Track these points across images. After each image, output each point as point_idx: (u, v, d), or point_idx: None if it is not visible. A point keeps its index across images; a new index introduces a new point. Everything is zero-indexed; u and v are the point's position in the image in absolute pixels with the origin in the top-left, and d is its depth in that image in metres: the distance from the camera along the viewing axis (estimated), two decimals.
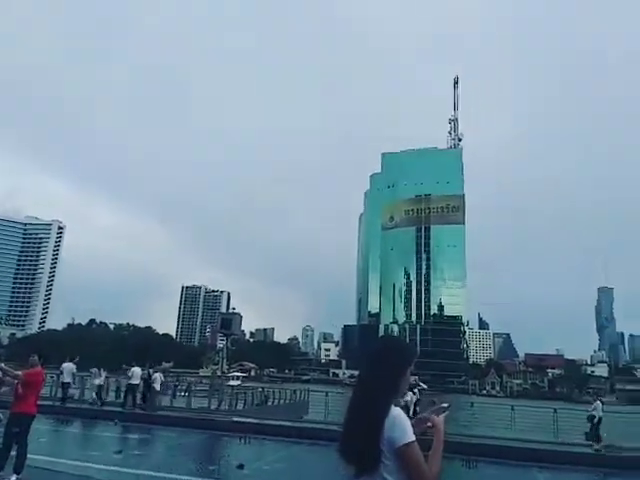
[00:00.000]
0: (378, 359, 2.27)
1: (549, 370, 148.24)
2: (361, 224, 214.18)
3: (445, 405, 2.36)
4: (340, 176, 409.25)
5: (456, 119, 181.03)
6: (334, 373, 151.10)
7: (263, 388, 30.30)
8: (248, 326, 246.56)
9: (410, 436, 2.07)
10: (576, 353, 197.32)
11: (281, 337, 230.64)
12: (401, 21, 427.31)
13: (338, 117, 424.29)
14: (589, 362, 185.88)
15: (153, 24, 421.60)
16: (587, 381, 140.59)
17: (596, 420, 14.41)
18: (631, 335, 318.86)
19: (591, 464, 12.98)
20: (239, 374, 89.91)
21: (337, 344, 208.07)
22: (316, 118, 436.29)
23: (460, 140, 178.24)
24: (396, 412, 2.12)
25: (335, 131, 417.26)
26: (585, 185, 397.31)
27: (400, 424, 2.08)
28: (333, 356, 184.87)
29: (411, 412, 16.35)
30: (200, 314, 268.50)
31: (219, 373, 28.96)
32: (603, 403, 15.62)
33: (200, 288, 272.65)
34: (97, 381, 21.03)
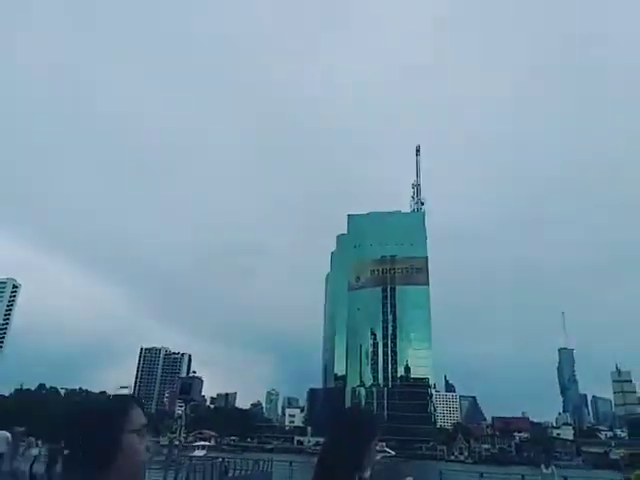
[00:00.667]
0: (341, 432, 2.16)
1: (516, 434, 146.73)
2: (328, 284, 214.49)
3: (410, 479, 2.43)
4: (307, 237, 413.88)
5: (418, 184, 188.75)
6: (299, 441, 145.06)
7: (223, 458, 28.77)
8: (209, 391, 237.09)
9: None
10: (541, 415, 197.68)
11: (244, 402, 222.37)
12: (369, 90, 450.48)
13: (305, 180, 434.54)
14: (554, 424, 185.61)
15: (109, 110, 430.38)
16: (553, 444, 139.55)
17: None
18: (594, 396, 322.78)
19: None
20: (204, 443, 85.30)
21: (302, 409, 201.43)
22: (284, 182, 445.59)
23: (422, 204, 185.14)
24: None
25: (302, 194, 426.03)
26: (538, 247, 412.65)
27: None
28: (298, 422, 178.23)
29: None
30: (158, 378, 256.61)
31: (176, 442, 27.53)
32: (557, 466, 15.56)
33: (159, 350, 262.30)
34: (33, 452, 19.45)
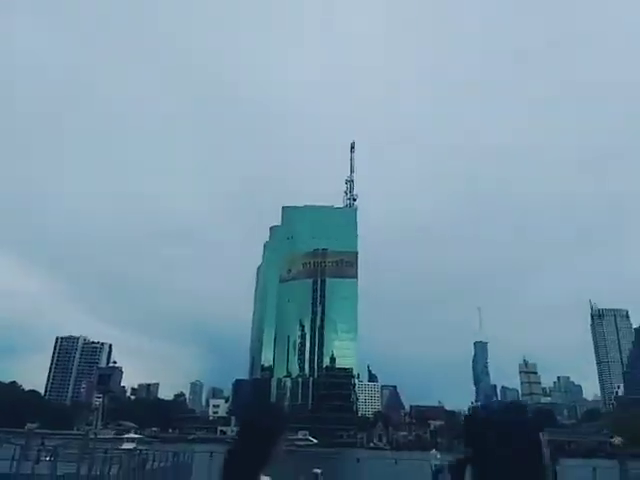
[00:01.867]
0: (248, 427, 2.19)
1: (431, 422, 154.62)
2: (259, 275, 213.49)
3: (317, 471, 2.39)
4: (240, 227, 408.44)
5: (352, 180, 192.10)
6: (222, 431, 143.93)
7: (140, 450, 28.09)
8: (130, 382, 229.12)
9: None
10: (456, 404, 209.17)
11: (167, 393, 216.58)
12: (310, 85, 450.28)
13: (241, 170, 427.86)
14: (467, 412, 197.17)
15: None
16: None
17: (433, 468, 15.48)
18: (503, 387, 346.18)
19: None
20: (134, 436, 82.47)
21: (227, 400, 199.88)
22: (219, 168, 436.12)
23: (355, 200, 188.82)
24: None
25: (237, 183, 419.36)
26: (462, 243, 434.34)
27: None
28: (222, 413, 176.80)
29: None
30: (75, 368, 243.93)
31: (92, 435, 26.56)
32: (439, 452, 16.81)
33: (78, 339, 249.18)
34: None
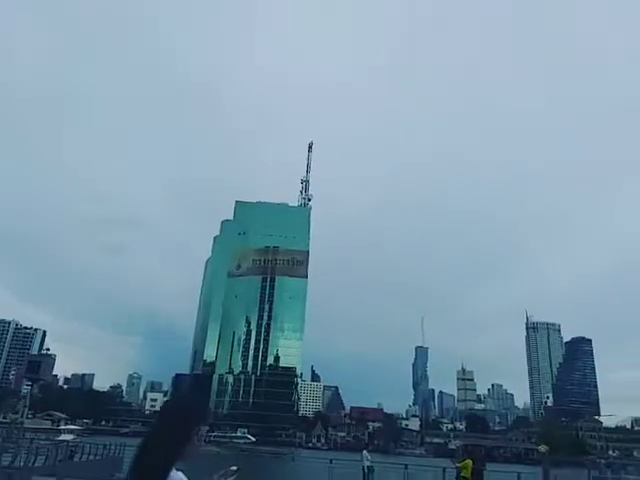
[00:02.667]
0: (160, 419, 2.14)
1: (370, 423, 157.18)
2: (207, 269, 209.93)
3: (234, 468, 2.34)
4: (190, 219, 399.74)
5: (307, 180, 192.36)
6: None
7: (68, 442, 26.95)
8: (64, 371, 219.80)
9: None
10: (394, 407, 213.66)
11: (102, 384, 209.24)
12: (270, 80, 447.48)
13: (195, 159, 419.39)
14: (404, 416, 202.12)
15: None
16: (402, 434, 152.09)
17: (366, 470, 15.82)
18: (440, 392, 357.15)
19: None
20: (75, 427, 78.78)
21: (165, 394, 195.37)
22: (171, 156, 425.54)
23: (309, 200, 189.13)
24: (176, 477, 2.01)
25: (189, 173, 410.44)
26: (410, 251, 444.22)
27: None
28: (159, 407, 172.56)
29: None
30: (5, 354, 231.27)
31: (18, 424, 25.26)
32: (369, 452, 17.18)
33: (9, 323, 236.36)
34: None
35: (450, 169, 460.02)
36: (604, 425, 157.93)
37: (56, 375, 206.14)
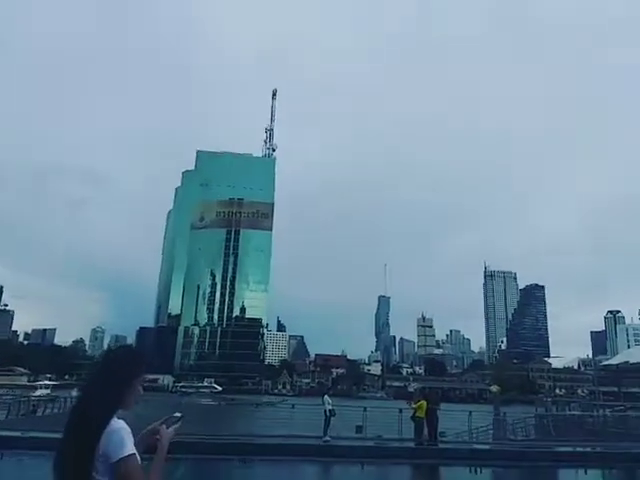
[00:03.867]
0: (101, 369, 2.18)
1: (334, 369, 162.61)
2: (169, 221, 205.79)
3: (177, 415, 2.36)
4: (150, 169, 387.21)
5: (272, 129, 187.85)
6: None
7: (29, 397, 26.69)
8: (24, 327, 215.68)
9: (127, 450, 2.00)
10: (357, 353, 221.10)
11: (65, 339, 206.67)
12: (232, 28, 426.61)
13: (156, 106, 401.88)
14: (367, 362, 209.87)
15: None
16: (364, 379, 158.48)
17: (328, 413, 16.38)
18: (401, 338, 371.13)
19: (319, 454, 14.69)
20: (48, 382, 77.67)
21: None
22: (131, 104, 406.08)
23: (274, 150, 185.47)
24: (117, 426, 2.04)
25: (150, 121, 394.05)
26: (377, 200, 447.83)
27: (119, 437, 2.01)
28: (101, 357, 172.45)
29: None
30: None
31: None
32: (330, 396, 17.71)
33: None
34: None
35: (418, 122, 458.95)
36: (553, 366, 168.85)
37: (15, 331, 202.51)
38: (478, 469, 13.62)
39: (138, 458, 2.05)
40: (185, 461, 12.65)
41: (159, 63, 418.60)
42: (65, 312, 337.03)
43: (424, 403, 17.26)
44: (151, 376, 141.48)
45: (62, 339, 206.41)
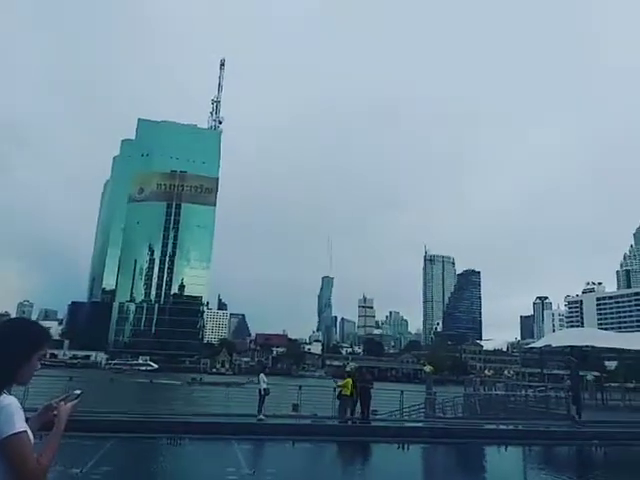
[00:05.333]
0: None
1: (274, 348, 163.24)
2: (105, 192, 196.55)
3: (77, 392, 2.31)
4: (86, 134, 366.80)
5: (219, 101, 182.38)
6: (52, 354, 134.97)
7: None
8: None
9: (17, 427, 1.90)
10: (299, 333, 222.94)
11: None
12: None
13: (93, 73, 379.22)
14: (308, 341, 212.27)
15: None
16: (304, 358, 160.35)
17: (263, 392, 16.31)
18: (342, 318, 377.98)
19: (252, 432, 14.62)
20: None
21: (61, 322, 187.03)
22: (63, 60, 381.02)
23: (221, 123, 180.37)
24: (6, 401, 1.94)
25: (86, 83, 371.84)
26: (324, 179, 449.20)
27: (7, 414, 1.91)
28: (55, 335, 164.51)
29: None
30: None
31: None
32: (266, 375, 17.61)
33: None
34: None
35: (367, 102, 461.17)
36: (484, 348, 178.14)
37: None
38: (406, 445, 13.93)
39: (30, 435, 1.96)
40: (110, 439, 12.11)
41: (99, 8, 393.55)
42: None
43: (349, 381, 17.50)
44: (83, 352, 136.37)
45: None
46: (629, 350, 24.56)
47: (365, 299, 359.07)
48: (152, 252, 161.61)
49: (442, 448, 15.15)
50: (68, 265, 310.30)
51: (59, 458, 8.93)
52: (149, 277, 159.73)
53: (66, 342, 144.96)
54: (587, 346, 24.96)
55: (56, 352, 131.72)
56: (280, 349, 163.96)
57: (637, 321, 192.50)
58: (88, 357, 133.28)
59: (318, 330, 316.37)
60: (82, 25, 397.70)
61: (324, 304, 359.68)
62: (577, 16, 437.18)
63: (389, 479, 9.84)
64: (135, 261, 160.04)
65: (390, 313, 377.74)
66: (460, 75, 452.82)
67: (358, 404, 17.48)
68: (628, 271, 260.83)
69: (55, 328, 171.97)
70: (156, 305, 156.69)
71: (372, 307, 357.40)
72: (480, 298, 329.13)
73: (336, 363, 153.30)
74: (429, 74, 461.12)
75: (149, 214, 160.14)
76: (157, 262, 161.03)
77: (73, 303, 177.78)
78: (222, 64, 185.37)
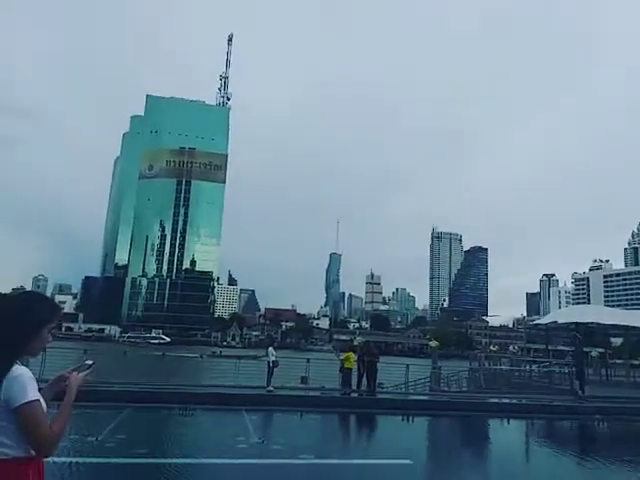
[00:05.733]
0: (6, 316, 2.11)
1: (283, 323, 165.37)
2: (116, 168, 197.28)
3: (89, 362, 2.36)
4: (95, 110, 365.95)
5: (227, 77, 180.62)
6: (68, 327, 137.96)
7: None
8: None
9: (30, 395, 1.99)
10: (307, 308, 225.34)
11: (4, 287, 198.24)
12: None
13: (102, 50, 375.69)
14: (316, 316, 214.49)
15: None
16: (312, 332, 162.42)
17: (272, 364, 16.74)
18: (350, 294, 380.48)
19: (262, 403, 15.11)
20: None
21: (75, 296, 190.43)
22: (79, 48, 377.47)
23: (229, 99, 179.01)
24: (18, 371, 2.02)
25: (95, 57, 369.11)
26: (333, 160, 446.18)
27: (20, 383, 1.99)
28: (69, 309, 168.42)
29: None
30: None
31: None
32: (275, 349, 18.00)
33: None
34: None
35: (376, 81, 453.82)
36: (490, 324, 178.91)
37: None
38: (411, 417, 14.34)
39: (43, 404, 2.05)
40: (124, 409, 12.61)
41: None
42: (3, 259, 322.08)
43: (351, 355, 17.91)
44: (97, 326, 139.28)
45: (1, 286, 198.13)
46: (635, 327, 24.69)
47: (372, 276, 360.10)
48: (163, 228, 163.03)
49: (446, 420, 15.55)
50: (82, 241, 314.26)
51: (75, 427, 9.39)
52: (160, 253, 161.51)
53: (81, 315, 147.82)
54: (593, 323, 25.10)
55: (72, 325, 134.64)
56: (289, 324, 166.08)
57: None
58: (102, 330, 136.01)
59: (326, 305, 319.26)
60: (90, 3, 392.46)
61: (332, 280, 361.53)
62: (574, 16, 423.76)
63: (393, 449, 10.24)
64: (147, 237, 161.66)
65: (397, 289, 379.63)
66: (458, 61, 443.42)
67: (364, 377, 17.91)
68: (636, 249, 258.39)
69: (70, 302, 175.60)
70: (168, 280, 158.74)
71: (379, 284, 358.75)
72: (487, 275, 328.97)
73: (343, 337, 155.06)
74: (428, 61, 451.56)
75: (159, 191, 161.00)
76: (168, 238, 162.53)
77: (87, 278, 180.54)
78: (230, 39, 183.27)
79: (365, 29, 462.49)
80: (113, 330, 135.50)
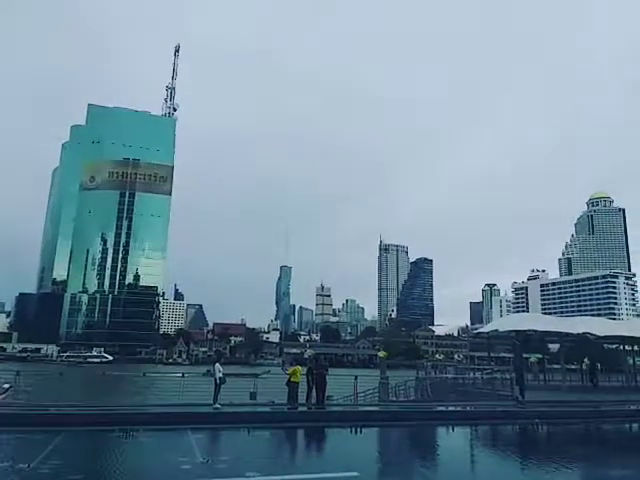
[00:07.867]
0: None
1: (232, 338, 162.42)
2: (54, 179, 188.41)
3: (5, 386, 2.36)
4: (32, 120, 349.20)
5: (173, 88, 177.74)
6: (1, 347, 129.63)
7: None
8: None
9: None
10: (257, 322, 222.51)
11: None
12: None
13: (41, 55, 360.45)
14: (266, 330, 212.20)
15: None
16: (262, 346, 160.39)
17: (218, 381, 16.38)
18: (301, 307, 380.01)
19: (208, 422, 14.76)
20: None
21: (8, 315, 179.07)
22: (15, 51, 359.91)
23: (175, 110, 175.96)
24: None
25: (33, 64, 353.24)
26: (281, 171, 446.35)
27: None
28: (2, 328, 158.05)
29: None
30: None
31: None
32: (221, 364, 17.66)
33: None
34: None
35: (321, 96, 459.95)
36: (436, 333, 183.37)
37: None
38: (360, 429, 14.37)
39: None
40: (60, 433, 11.90)
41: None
42: None
43: (298, 368, 17.88)
44: (33, 345, 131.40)
45: None
46: (569, 333, 26.01)
47: (323, 288, 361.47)
48: (105, 242, 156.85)
49: (394, 430, 15.70)
50: (16, 255, 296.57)
51: (5, 453, 8.75)
52: (102, 267, 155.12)
53: (15, 334, 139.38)
54: (531, 330, 26.27)
55: (4, 345, 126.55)
56: (238, 338, 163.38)
57: (577, 306, 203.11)
58: (39, 350, 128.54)
59: (277, 319, 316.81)
60: (28, 7, 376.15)
61: (282, 293, 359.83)
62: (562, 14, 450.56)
63: (340, 462, 10.20)
64: (87, 251, 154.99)
65: (347, 301, 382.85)
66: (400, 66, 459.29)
67: (314, 390, 17.81)
68: (569, 259, 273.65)
69: (3, 321, 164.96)
70: (110, 296, 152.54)
71: (329, 295, 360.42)
72: (432, 285, 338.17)
73: (294, 351, 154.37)
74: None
75: (101, 203, 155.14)
76: (110, 252, 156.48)
77: (21, 294, 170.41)
78: (177, 50, 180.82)
79: (300, 38, 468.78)
80: (50, 349, 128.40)
